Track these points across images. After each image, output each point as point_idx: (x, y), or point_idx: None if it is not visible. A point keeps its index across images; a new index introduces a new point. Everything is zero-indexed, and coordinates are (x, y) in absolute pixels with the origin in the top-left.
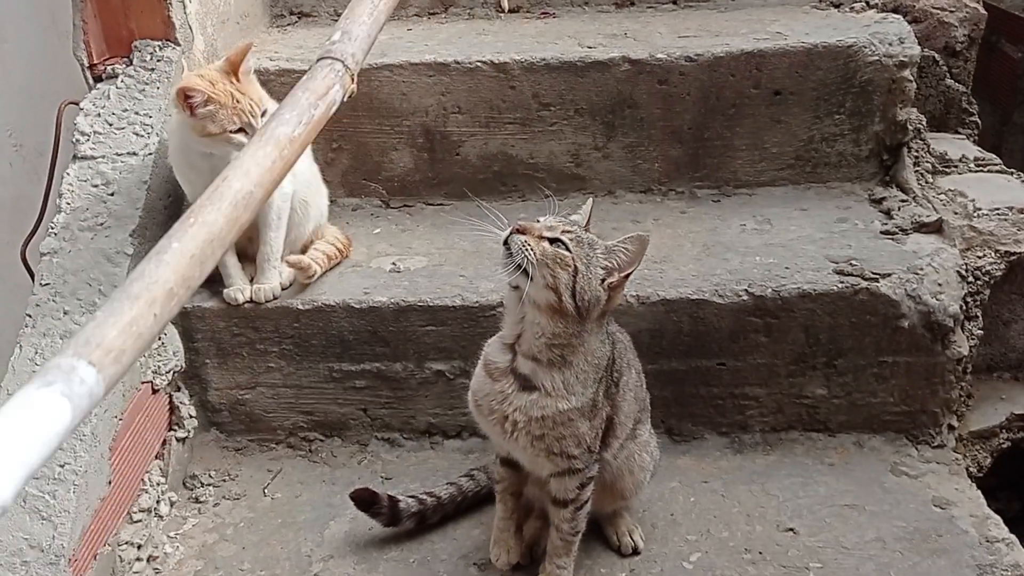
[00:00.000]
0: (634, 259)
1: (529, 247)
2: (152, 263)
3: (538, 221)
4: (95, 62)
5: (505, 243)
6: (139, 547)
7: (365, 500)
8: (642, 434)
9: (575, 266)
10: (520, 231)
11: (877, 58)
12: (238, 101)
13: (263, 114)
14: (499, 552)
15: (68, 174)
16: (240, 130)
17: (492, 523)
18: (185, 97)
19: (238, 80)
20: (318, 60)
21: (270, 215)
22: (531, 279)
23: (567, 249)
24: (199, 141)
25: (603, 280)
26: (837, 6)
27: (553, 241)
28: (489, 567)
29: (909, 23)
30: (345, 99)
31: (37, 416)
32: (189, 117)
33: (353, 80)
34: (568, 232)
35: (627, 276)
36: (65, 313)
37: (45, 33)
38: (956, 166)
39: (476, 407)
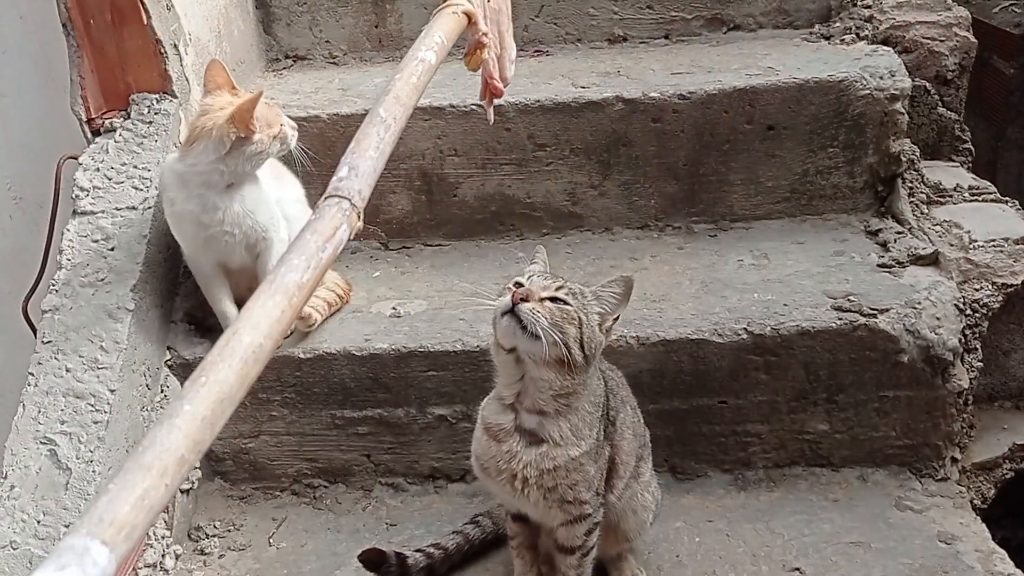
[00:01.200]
0: (622, 300)
1: (538, 313)
2: (164, 429)
3: (522, 284)
4: (93, 116)
5: (510, 312)
6: None
7: (374, 561)
8: (644, 473)
9: (579, 318)
10: (524, 297)
11: (869, 92)
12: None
13: None
14: None
15: (68, 230)
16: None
17: (497, 568)
18: (253, 121)
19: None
20: (325, 198)
21: (269, 264)
22: (539, 339)
23: (568, 304)
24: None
25: (599, 325)
26: (827, 38)
27: (553, 299)
28: None
29: (899, 53)
30: (351, 237)
31: None
32: (244, 135)
33: (360, 218)
34: (560, 287)
35: (618, 318)
36: (68, 371)
37: (43, 87)
38: (951, 195)
39: (483, 470)
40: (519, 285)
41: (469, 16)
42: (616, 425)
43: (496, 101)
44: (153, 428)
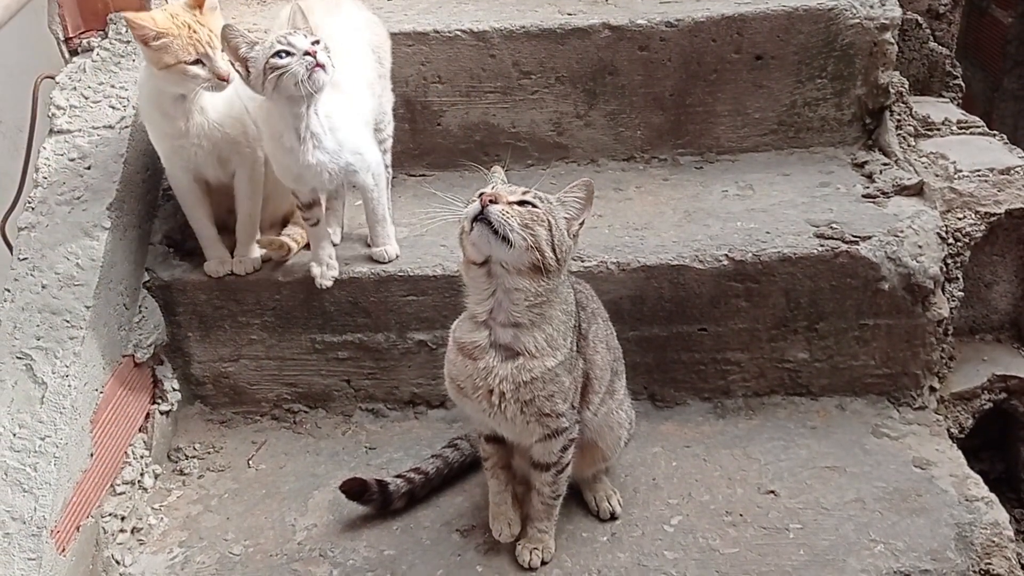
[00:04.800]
0: (586, 204)
1: (509, 215)
2: None
3: (487, 191)
4: (71, 36)
5: (480, 218)
6: (123, 519)
7: (356, 491)
8: (618, 391)
9: (548, 220)
10: (492, 199)
11: (858, 21)
12: (195, 32)
13: None
14: (500, 527)
15: (44, 148)
16: (197, 62)
17: (474, 491)
18: (132, 28)
19: (201, 14)
20: None
21: (246, 186)
22: (512, 245)
23: (536, 206)
24: (162, 78)
25: (567, 230)
26: None
27: (521, 203)
28: (472, 533)
29: None
30: None
31: None
32: (144, 48)
33: None
34: (527, 192)
35: (583, 222)
36: (43, 287)
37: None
38: (939, 129)
39: (458, 391)
40: (486, 193)
41: None
42: (588, 339)
43: (481, 26)
44: None
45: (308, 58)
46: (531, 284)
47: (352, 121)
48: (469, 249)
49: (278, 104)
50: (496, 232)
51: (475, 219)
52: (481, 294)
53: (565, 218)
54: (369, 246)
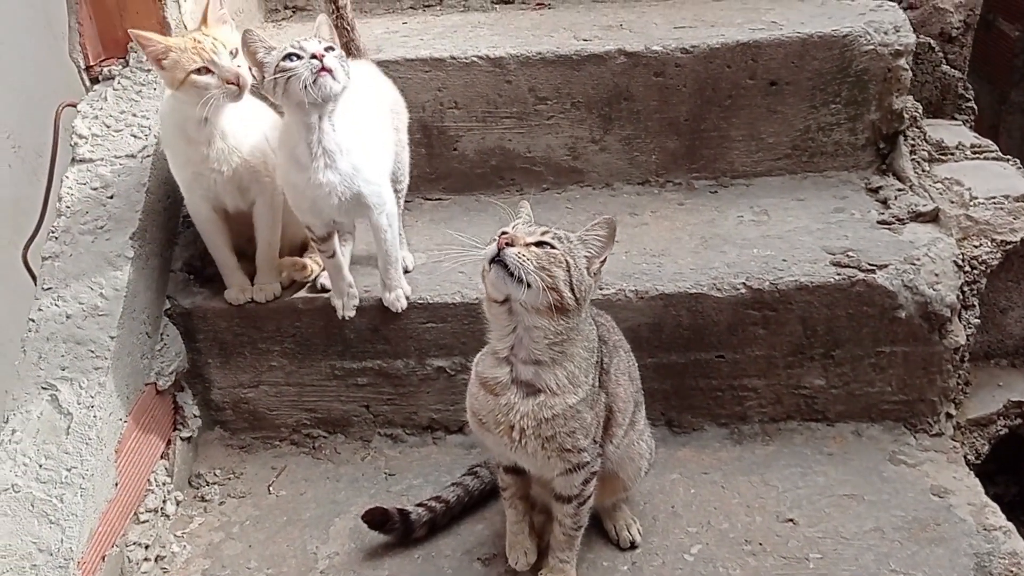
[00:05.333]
0: (607, 243)
1: (524, 257)
2: None
3: (508, 231)
4: (92, 64)
5: (497, 260)
6: (147, 547)
7: (378, 520)
8: (639, 421)
9: (567, 261)
10: (509, 242)
11: (872, 47)
12: (199, 42)
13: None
14: (517, 556)
15: (67, 177)
16: (203, 69)
17: (495, 518)
18: (141, 45)
19: (207, 27)
20: None
21: (266, 214)
22: (529, 287)
23: (554, 247)
24: (181, 99)
25: (587, 268)
26: None
27: (539, 244)
28: (493, 562)
29: (904, 9)
30: None
31: None
32: (159, 70)
33: None
34: (546, 232)
35: (604, 260)
36: (68, 318)
37: (41, 35)
38: (952, 153)
39: (480, 425)
40: (504, 235)
41: None
42: (611, 373)
43: (498, 53)
44: None
45: (315, 62)
46: (551, 323)
47: (370, 151)
48: (489, 288)
49: (290, 113)
50: (512, 274)
51: (492, 260)
52: (502, 330)
53: (586, 256)
54: (382, 287)
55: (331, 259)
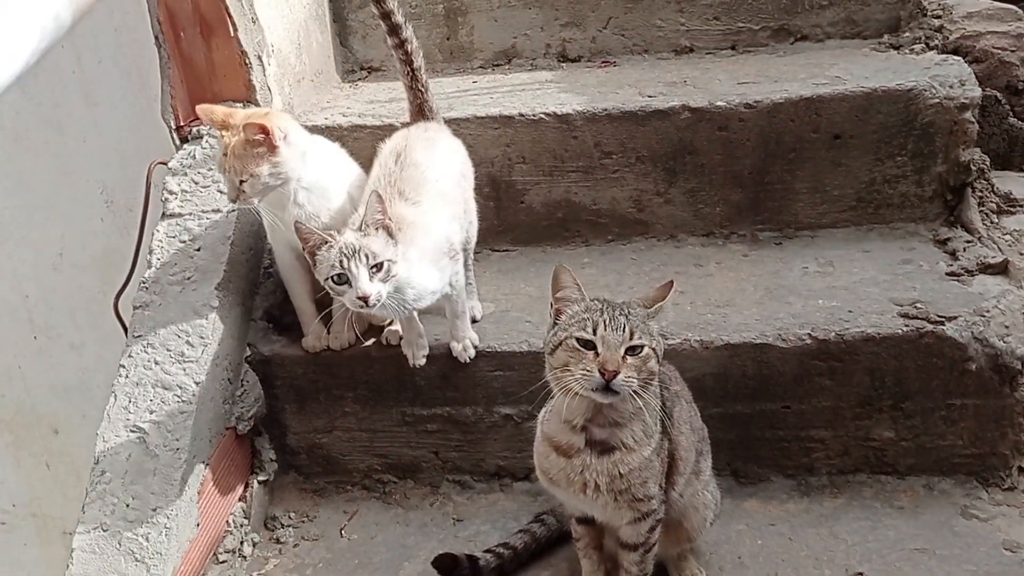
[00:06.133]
0: (665, 304)
1: (632, 379)
2: None
3: (592, 344)
4: (182, 124)
5: (607, 388)
6: None
7: (447, 566)
8: (704, 471)
9: (654, 351)
10: (615, 372)
11: (938, 100)
12: (224, 156)
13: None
14: None
15: (158, 231)
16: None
17: (561, 565)
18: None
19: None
20: None
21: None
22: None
23: (643, 346)
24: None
25: (660, 334)
26: (896, 48)
27: (631, 349)
28: None
29: (969, 63)
30: None
31: None
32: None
33: None
34: (631, 333)
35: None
36: (156, 364)
37: (136, 97)
38: (1021, 205)
39: (550, 482)
40: (589, 345)
41: None
42: (673, 419)
43: (565, 110)
44: None
45: (359, 302)
46: (633, 400)
47: (423, 271)
48: (591, 395)
49: None
50: (618, 393)
51: (604, 389)
52: (583, 410)
53: (658, 328)
54: (451, 337)
55: None
